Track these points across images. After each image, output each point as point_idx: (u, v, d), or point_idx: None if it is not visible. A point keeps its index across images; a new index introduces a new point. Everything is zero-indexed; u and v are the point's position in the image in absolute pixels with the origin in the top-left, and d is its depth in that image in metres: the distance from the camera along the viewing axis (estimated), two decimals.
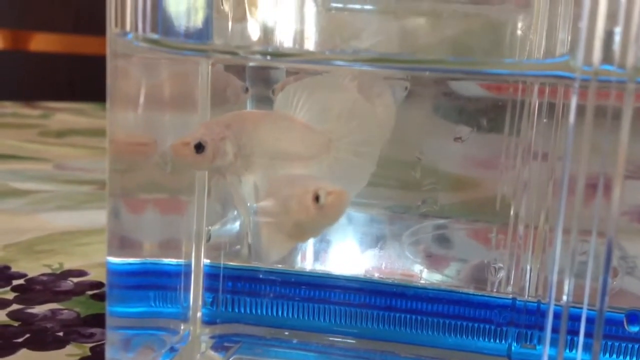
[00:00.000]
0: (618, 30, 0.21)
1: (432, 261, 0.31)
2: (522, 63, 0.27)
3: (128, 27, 0.23)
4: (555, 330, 0.24)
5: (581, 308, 0.23)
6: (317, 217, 0.23)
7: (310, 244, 0.31)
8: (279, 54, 0.27)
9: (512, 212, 0.28)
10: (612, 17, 0.21)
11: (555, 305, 0.23)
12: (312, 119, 0.25)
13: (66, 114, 1.16)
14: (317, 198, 0.23)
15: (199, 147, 0.24)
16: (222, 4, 0.28)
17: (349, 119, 0.26)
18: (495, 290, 0.29)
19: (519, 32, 0.28)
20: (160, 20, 0.24)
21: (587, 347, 0.23)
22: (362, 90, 0.27)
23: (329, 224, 0.25)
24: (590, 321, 0.23)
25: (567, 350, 0.24)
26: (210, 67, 0.28)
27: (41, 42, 1.45)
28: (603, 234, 0.22)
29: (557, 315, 0.23)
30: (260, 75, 0.29)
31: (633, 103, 0.21)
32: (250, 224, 0.28)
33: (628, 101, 0.21)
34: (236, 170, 0.25)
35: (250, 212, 0.26)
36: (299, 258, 0.31)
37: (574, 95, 0.21)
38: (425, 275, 0.30)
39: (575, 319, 0.23)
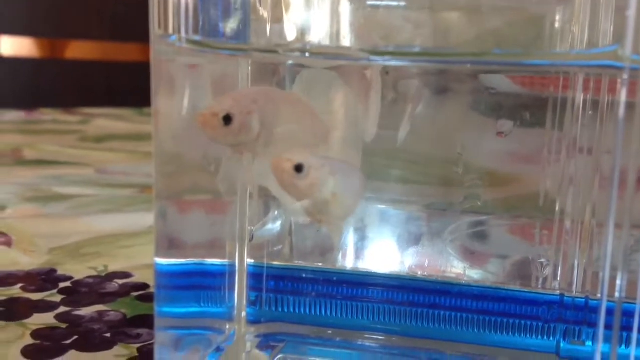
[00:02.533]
0: None
1: (476, 258, 0.31)
2: (569, 53, 0.27)
3: (171, 29, 0.24)
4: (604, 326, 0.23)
5: (633, 303, 0.22)
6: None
7: (351, 242, 0.31)
8: (318, 52, 0.27)
9: (557, 207, 0.28)
10: None
11: (608, 301, 0.23)
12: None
13: (104, 120, 1.18)
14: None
15: (227, 119, 0.23)
16: (260, 5, 0.28)
17: (337, 114, 0.25)
18: (541, 286, 0.28)
19: (560, 24, 0.27)
20: (201, 23, 0.24)
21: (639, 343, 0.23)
22: (352, 84, 0.27)
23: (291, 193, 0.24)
24: None
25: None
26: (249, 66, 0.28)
27: (78, 50, 1.48)
28: None
29: (606, 311, 0.23)
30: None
31: None
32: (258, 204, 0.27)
33: None
34: (254, 148, 0.24)
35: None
36: (340, 256, 0.31)
37: (624, 85, 0.21)
38: (469, 272, 0.30)
39: (626, 314, 0.23)
